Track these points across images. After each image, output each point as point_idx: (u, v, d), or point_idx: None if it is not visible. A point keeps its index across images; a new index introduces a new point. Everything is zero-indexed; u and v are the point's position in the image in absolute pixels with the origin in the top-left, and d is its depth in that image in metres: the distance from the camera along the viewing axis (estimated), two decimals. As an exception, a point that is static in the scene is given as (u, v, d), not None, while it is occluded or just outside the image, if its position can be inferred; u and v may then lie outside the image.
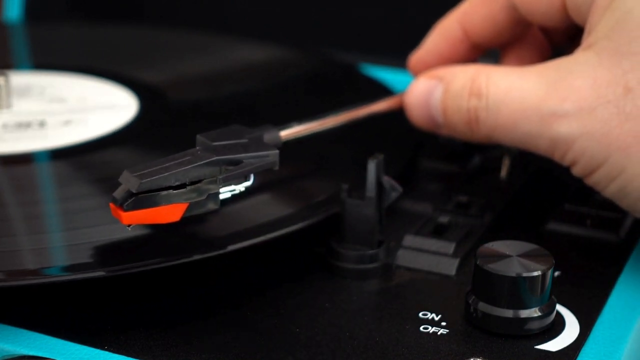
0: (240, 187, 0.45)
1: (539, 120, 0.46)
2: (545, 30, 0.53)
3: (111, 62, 0.65)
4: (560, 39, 0.54)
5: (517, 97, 0.46)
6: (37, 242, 0.45)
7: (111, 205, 0.42)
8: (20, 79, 0.62)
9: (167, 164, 0.43)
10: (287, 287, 0.46)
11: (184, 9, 0.80)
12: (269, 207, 0.48)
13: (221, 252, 0.44)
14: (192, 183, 0.43)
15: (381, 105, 0.53)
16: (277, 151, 0.46)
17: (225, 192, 0.44)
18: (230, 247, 0.44)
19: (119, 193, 0.42)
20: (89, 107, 0.58)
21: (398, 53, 0.72)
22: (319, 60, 0.68)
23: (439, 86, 0.49)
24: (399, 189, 0.47)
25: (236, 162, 0.44)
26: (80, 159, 0.52)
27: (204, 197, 0.43)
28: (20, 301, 0.44)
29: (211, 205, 0.43)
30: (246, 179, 0.45)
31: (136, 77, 0.62)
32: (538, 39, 0.54)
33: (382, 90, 0.61)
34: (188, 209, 0.43)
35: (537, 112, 0.46)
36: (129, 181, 0.42)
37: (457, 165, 0.55)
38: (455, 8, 0.53)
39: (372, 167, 0.46)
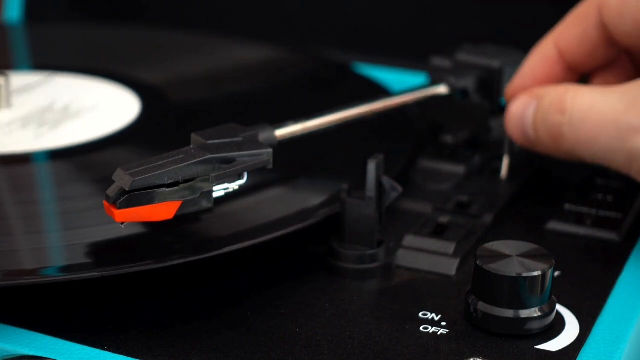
0: (233, 186, 0.44)
1: (617, 135, 0.47)
2: (635, 57, 0.54)
3: (111, 62, 0.65)
4: None
5: (597, 113, 0.47)
6: (36, 242, 0.45)
7: (104, 202, 0.42)
8: (20, 79, 0.62)
9: (160, 162, 0.43)
10: (287, 287, 0.46)
11: (184, 9, 0.80)
12: (269, 208, 0.48)
13: (220, 252, 0.44)
14: (186, 181, 0.43)
15: (376, 105, 0.52)
16: (270, 150, 0.45)
17: (218, 191, 0.44)
18: (229, 249, 0.44)
19: (112, 191, 0.42)
20: (89, 108, 0.58)
21: (393, 52, 0.72)
22: (315, 60, 0.68)
23: (533, 103, 0.51)
24: (399, 189, 0.47)
25: (230, 161, 0.44)
26: (81, 159, 0.52)
27: (197, 195, 0.43)
28: (20, 301, 0.44)
29: (205, 204, 0.43)
30: (240, 177, 0.45)
31: (136, 77, 0.62)
32: (627, 69, 0.54)
33: (376, 90, 0.61)
34: (181, 207, 0.43)
35: (615, 127, 0.47)
36: (122, 179, 0.42)
37: (457, 165, 0.55)
38: (551, 30, 0.54)
39: (372, 167, 0.46)
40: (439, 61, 0.56)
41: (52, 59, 0.66)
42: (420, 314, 0.44)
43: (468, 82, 0.55)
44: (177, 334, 0.42)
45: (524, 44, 0.56)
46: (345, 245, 0.47)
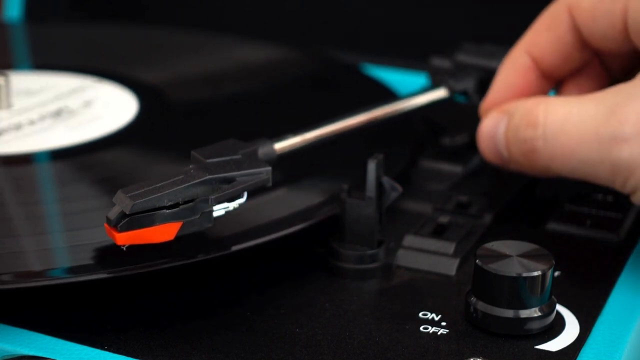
0: (233, 205, 0.44)
1: (598, 146, 0.45)
2: (606, 60, 0.52)
3: (111, 62, 0.65)
4: (620, 71, 0.52)
5: (574, 124, 0.45)
6: (39, 244, 0.45)
7: (105, 225, 0.42)
8: (20, 79, 0.62)
9: (160, 184, 0.43)
10: (287, 287, 0.46)
11: (184, 9, 0.80)
12: (270, 209, 0.48)
13: (222, 254, 0.44)
14: (186, 202, 0.43)
15: (375, 114, 0.52)
16: (269, 168, 0.45)
17: (219, 210, 0.44)
18: (231, 250, 0.44)
19: (112, 214, 0.42)
20: (89, 108, 0.58)
21: (400, 53, 0.72)
22: (319, 60, 0.68)
23: (504, 120, 0.49)
24: (399, 189, 0.47)
25: (229, 180, 0.44)
26: (82, 159, 0.52)
27: (197, 216, 0.43)
28: (20, 302, 0.44)
29: (205, 224, 0.43)
30: (239, 196, 0.45)
31: (136, 77, 0.62)
32: (598, 72, 0.53)
33: (383, 91, 0.61)
34: (182, 228, 0.43)
35: (595, 137, 0.45)
36: (122, 202, 0.42)
37: (457, 166, 0.55)
38: (519, 39, 0.52)
39: (372, 167, 0.46)
40: (438, 61, 0.56)
41: (52, 59, 0.66)
42: (420, 314, 0.44)
43: (468, 84, 0.55)
44: (177, 334, 0.42)
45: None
46: (345, 245, 0.47)
